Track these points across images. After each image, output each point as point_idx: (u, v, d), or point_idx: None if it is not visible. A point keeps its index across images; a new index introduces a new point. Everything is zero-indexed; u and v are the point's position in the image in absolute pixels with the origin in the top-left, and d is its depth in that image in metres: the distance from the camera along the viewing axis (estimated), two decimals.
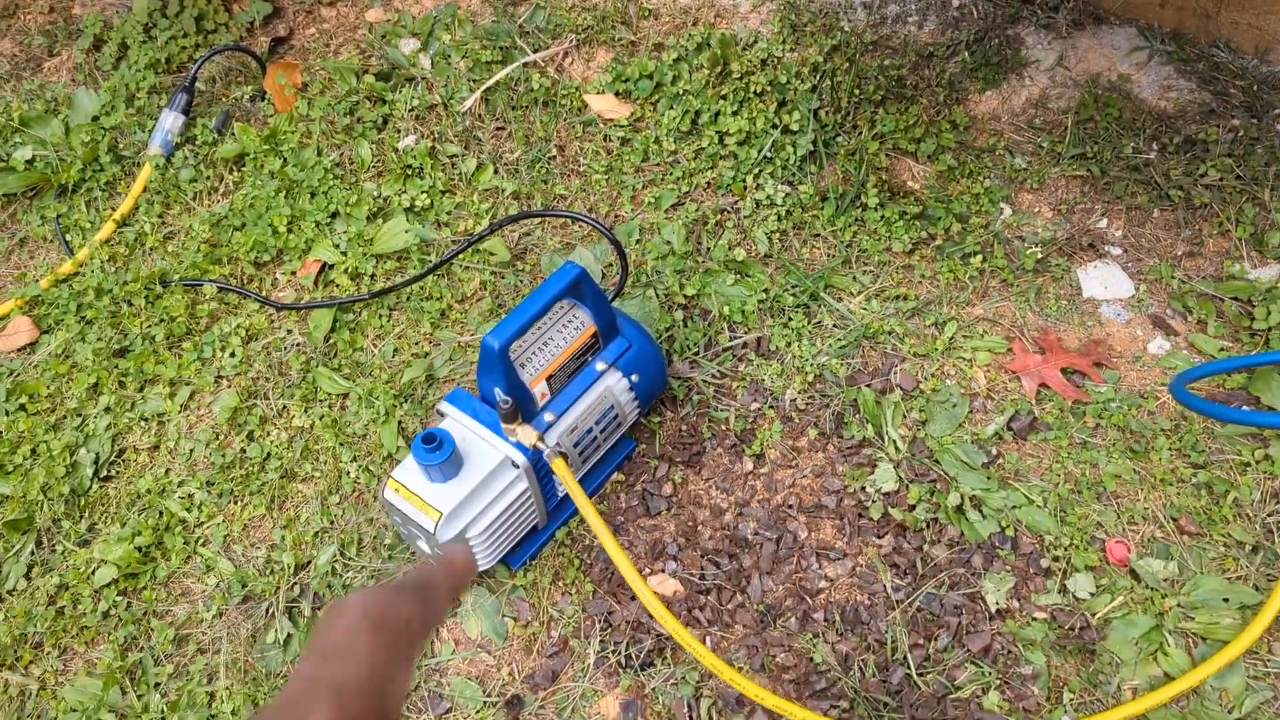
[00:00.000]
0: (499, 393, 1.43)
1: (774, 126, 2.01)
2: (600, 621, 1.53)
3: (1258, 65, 2.03)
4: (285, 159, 2.06)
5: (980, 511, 1.58)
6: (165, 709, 1.50)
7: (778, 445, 1.68)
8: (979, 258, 1.85)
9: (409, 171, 2.04)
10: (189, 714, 1.50)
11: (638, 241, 1.93)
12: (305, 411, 1.77)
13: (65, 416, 1.81)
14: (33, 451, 1.76)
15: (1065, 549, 1.53)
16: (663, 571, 1.57)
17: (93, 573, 1.63)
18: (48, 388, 1.84)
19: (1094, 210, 1.92)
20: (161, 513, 1.69)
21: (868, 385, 1.71)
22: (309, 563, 1.62)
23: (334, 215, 2.00)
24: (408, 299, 1.89)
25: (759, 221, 1.93)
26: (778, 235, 1.91)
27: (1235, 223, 1.84)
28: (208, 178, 2.08)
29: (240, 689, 1.51)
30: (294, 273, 1.95)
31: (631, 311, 1.81)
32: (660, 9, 2.24)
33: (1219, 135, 1.92)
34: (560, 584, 1.57)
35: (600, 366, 1.54)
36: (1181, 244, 1.86)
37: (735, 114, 2.04)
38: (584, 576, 1.57)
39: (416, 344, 1.84)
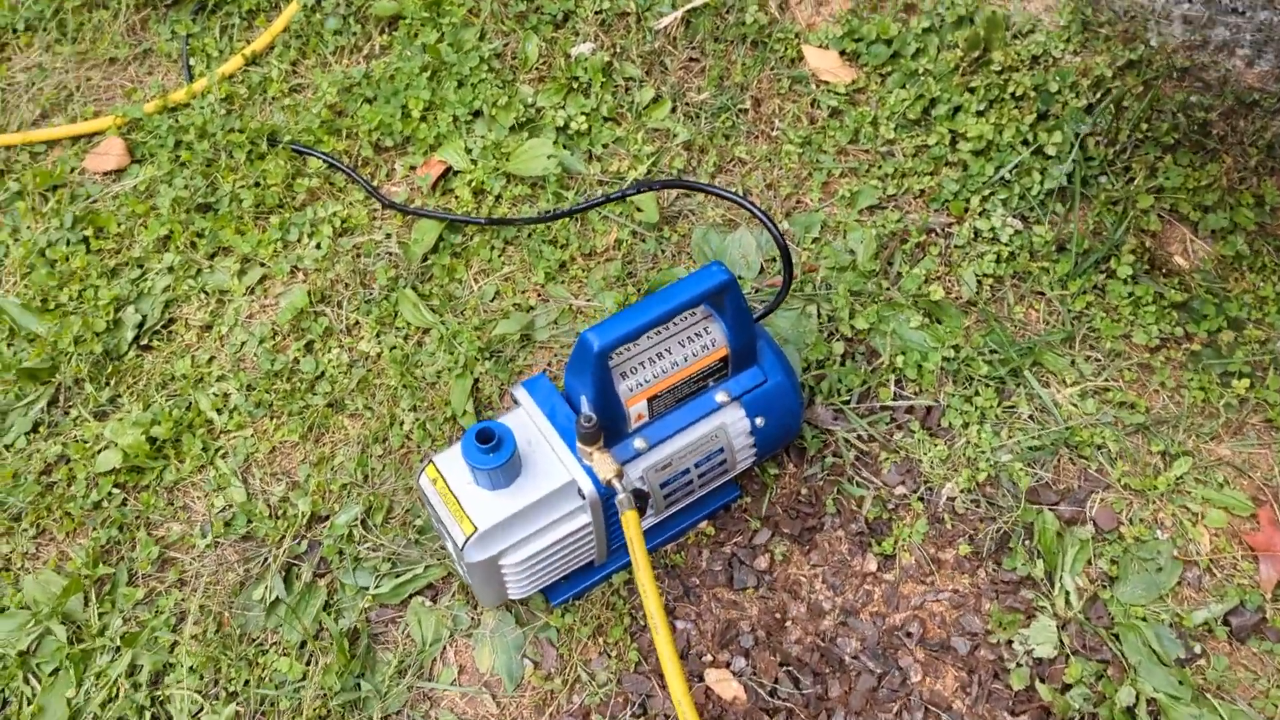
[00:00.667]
0: (585, 404, 1.11)
1: (1025, 143, 1.59)
2: (635, 704, 1.22)
3: None
4: (442, 34, 1.75)
5: None
6: (121, 640, 1.28)
7: (915, 550, 1.31)
8: (1244, 382, 1.41)
9: (574, 85, 1.71)
10: (144, 654, 1.27)
11: (815, 240, 1.57)
12: (377, 337, 1.50)
13: (125, 264, 1.59)
14: (80, 294, 1.55)
15: None
16: (728, 667, 1.24)
17: (98, 453, 1.41)
18: (119, 225, 1.62)
19: None
20: (190, 405, 1.45)
21: (1052, 508, 1.32)
22: (326, 518, 1.37)
23: (476, 114, 1.69)
24: (529, 235, 1.58)
25: (972, 256, 1.53)
26: (990, 281, 1.52)
27: None
28: (354, 33, 1.80)
29: (207, 645, 1.27)
30: (414, 168, 1.66)
31: (782, 327, 1.46)
32: None
33: None
34: (600, 641, 1.27)
35: (721, 398, 1.20)
36: None
37: (980, 115, 1.63)
38: (631, 640, 1.26)
39: (523, 293, 1.54)
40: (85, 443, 1.43)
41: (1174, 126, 1.58)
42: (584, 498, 1.14)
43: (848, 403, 1.42)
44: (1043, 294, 1.51)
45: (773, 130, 1.69)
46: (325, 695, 1.23)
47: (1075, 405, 1.41)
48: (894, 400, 1.42)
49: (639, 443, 1.18)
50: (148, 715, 1.23)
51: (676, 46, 1.76)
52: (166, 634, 1.28)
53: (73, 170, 1.70)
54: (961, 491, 1.35)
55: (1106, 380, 1.43)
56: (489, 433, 1.10)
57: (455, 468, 1.15)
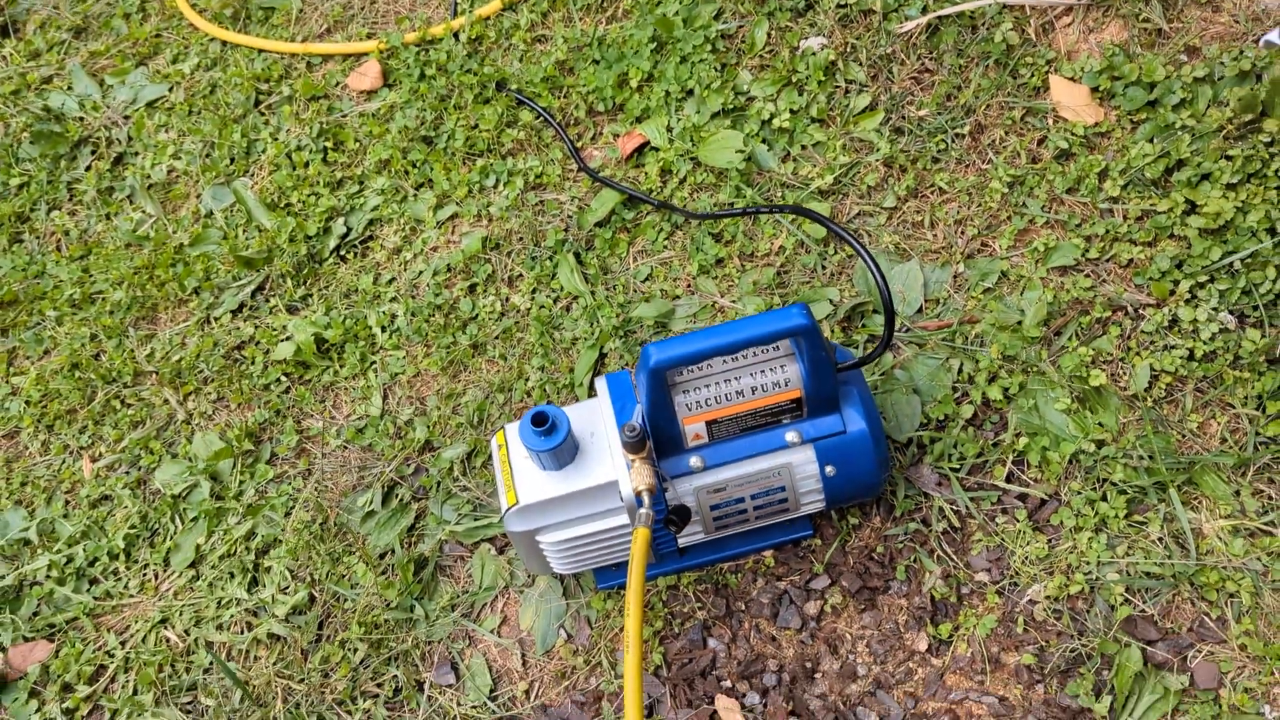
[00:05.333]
0: (636, 413, 1.13)
1: (1270, 231, 1.38)
2: (644, 705, 1.25)
3: None
4: (679, 7, 1.77)
5: None
6: (250, 508, 1.47)
7: (975, 643, 1.23)
8: None
9: (792, 78, 1.67)
10: (261, 524, 1.46)
11: (986, 290, 1.46)
12: (531, 293, 1.58)
13: (348, 179, 1.77)
14: (304, 199, 1.74)
15: None
16: (741, 700, 1.23)
17: (278, 342, 1.61)
18: (355, 142, 1.80)
19: None
20: (360, 319, 1.61)
21: (1145, 645, 1.18)
22: (437, 450, 1.48)
23: (688, 93, 1.71)
24: (697, 225, 1.59)
25: (1157, 347, 1.37)
26: (1169, 379, 1.34)
27: None
28: None
29: (309, 534, 1.43)
30: (617, 136, 1.71)
31: (918, 374, 1.39)
32: (1225, 2, 1.59)
33: None
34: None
35: (791, 437, 1.18)
36: None
37: (1230, 189, 1.43)
38: (658, 644, 1.29)
39: (674, 280, 1.56)
40: (273, 330, 1.63)
41: None
42: (623, 500, 1.17)
43: (957, 471, 1.33)
44: (1231, 407, 1.32)
45: (985, 162, 1.58)
46: (382, 607, 1.36)
47: (1220, 541, 1.24)
48: (1006, 482, 1.31)
49: (695, 460, 1.18)
50: (248, 577, 1.42)
51: (910, 55, 1.67)
52: (282, 515, 1.46)
53: (336, 84, 1.91)
54: (1047, 598, 1.23)
55: (1271, 523, 1.24)
56: (544, 417, 1.15)
57: (518, 440, 1.21)
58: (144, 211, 1.82)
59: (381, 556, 1.41)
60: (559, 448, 1.15)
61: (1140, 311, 1.40)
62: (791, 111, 1.64)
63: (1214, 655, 1.18)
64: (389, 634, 1.34)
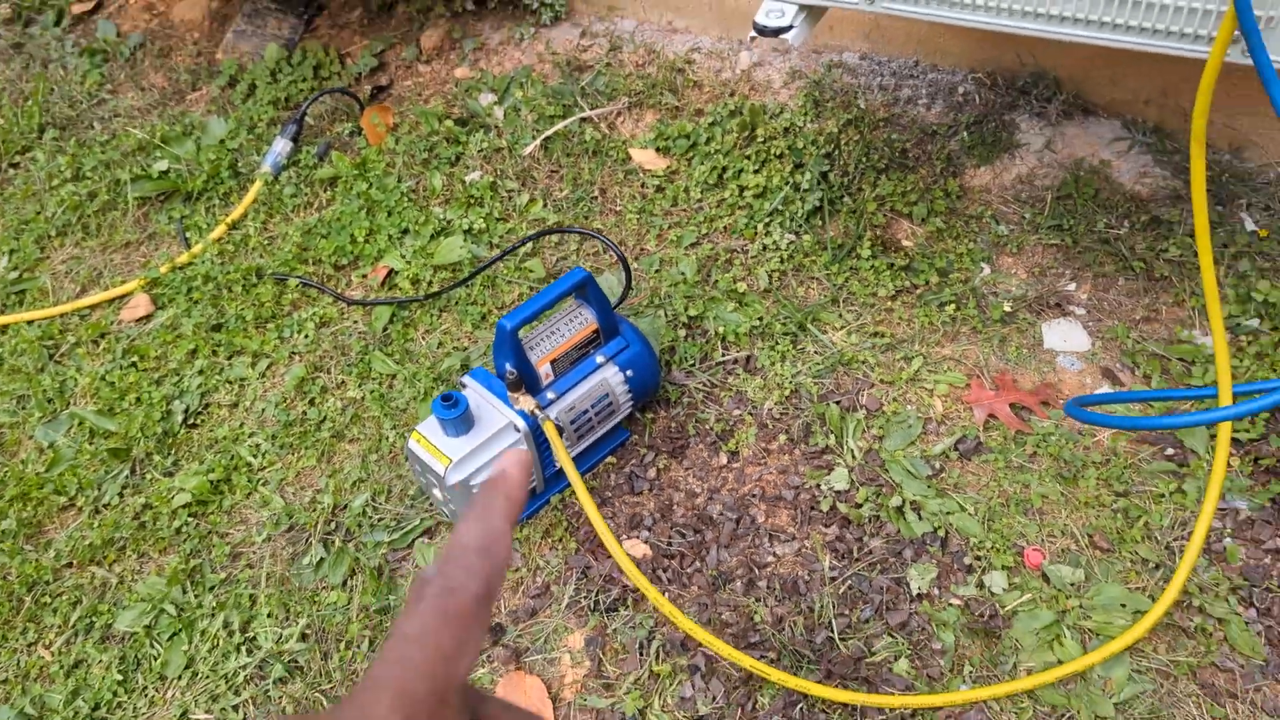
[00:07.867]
0: (507, 368, 1.73)
1: (787, 184, 2.31)
2: (578, 573, 1.80)
3: (1230, 160, 2.26)
4: (370, 183, 2.43)
5: (918, 514, 1.80)
6: (215, 606, 1.81)
7: (751, 446, 1.94)
8: (953, 306, 2.10)
9: (471, 200, 2.39)
10: (234, 612, 1.80)
11: (656, 271, 2.24)
12: (359, 386, 2.10)
13: (166, 375, 2.17)
14: (137, 399, 2.12)
15: (987, 550, 1.74)
16: (636, 538, 1.83)
17: (172, 498, 1.97)
18: (156, 351, 2.22)
19: (1064, 275, 2.16)
20: (233, 456, 2.02)
21: (836, 403, 1.97)
22: (346, 505, 1.93)
23: (404, 231, 2.36)
24: (456, 303, 2.22)
25: (763, 262, 2.22)
26: (778, 274, 2.20)
27: (1190, 294, 2.06)
28: (305, 194, 2.47)
29: (277, 597, 1.81)
30: (365, 275, 2.31)
31: (643, 327, 2.11)
32: (704, 81, 2.58)
33: (1183, 217, 2.15)
34: (549, 540, 1.85)
35: (599, 359, 1.84)
36: (1140, 309, 2.08)
37: (756, 172, 2.35)
38: (570, 536, 1.84)
39: (458, 340, 2.17)
40: (162, 493, 1.98)
41: (884, 156, 2.32)
42: (519, 431, 1.75)
43: (693, 365, 2.06)
44: (815, 277, 2.20)
45: (616, 207, 2.39)
46: (365, 610, 1.78)
47: (845, 341, 2.08)
48: (723, 357, 2.07)
49: (550, 394, 1.79)
50: (243, 650, 1.76)
51: (540, 164, 2.47)
52: (246, 596, 1.82)
53: (112, 323, 2.31)
54: (776, 404, 1.98)
55: (863, 322, 2.11)
56: (450, 395, 1.71)
57: (431, 429, 1.74)
58: None
59: (344, 584, 1.82)
60: (466, 413, 1.71)
61: (745, 249, 2.26)
62: (482, 219, 2.36)
63: (872, 393, 1.99)
64: (383, 621, 1.76)
